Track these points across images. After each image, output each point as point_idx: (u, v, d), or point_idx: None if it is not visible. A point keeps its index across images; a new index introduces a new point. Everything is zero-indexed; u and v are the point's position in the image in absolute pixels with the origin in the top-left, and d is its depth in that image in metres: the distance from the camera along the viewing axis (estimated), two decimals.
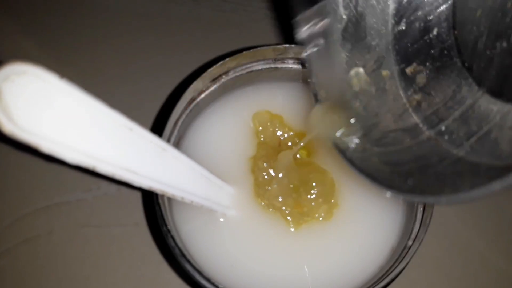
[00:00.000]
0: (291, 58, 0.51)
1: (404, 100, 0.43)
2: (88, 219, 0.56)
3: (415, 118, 0.42)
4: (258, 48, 0.49)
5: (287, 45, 0.50)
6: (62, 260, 0.54)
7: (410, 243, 0.43)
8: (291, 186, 0.46)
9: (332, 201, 0.47)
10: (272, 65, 0.51)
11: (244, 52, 0.49)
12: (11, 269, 0.54)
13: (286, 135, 0.49)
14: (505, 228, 0.57)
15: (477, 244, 0.56)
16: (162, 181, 0.38)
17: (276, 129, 0.49)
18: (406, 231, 0.45)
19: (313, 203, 0.46)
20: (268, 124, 0.50)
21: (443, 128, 0.40)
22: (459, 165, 0.37)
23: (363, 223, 0.47)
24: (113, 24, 0.68)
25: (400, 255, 0.43)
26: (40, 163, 0.57)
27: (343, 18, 0.42)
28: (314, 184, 0.46)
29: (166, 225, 0.42)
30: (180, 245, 0.42)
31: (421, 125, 0.42)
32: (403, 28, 0.42)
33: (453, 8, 0.41)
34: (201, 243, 0.46)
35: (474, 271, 0.55)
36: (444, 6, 0.41)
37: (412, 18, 0.42)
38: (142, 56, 0.66)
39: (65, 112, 0.31)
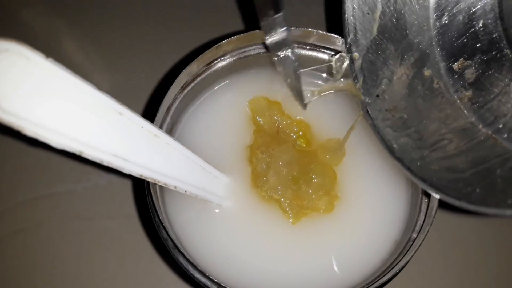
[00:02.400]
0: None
1: (455, 98, 0.42)
2: (78, 211, 0.56)
3: (469, 116, 0.41)
4: (256, 31, 0.47)
5: None
6: (51, 253, 0.54)
7: (414, 235, 0.42)
8: (290, 177, 0.45)
9: (333, 193, 0.46)
10: None
11: (241, 34, 0.47)
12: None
13: (284, 122, 0.48)
14: (507, 223, 0.56)
15: (479, 239, 0.55)
16: (153, 169, 0.37)
17: (274, 116, 0.48)
18: (410, 224, 0.44)
19: (313, 196, 0.45)
20: (266, 111, 0.48)
21: (500, 125, 0.40)
22: None
23: (365, 215, 0.46)
24: (104, 7, 0.66)
25: (403, 249, 0.42)
26: (28, 152, 0.57)
27: (376, 19, 0.42)
28: (314, 175, 0.45)
29: (158, 216, 0.41)
30: (173, 237, 0.41)
31: (476, 124, 0.41)
32: (446, 22, 0.42)
33: None
34: (195, 235, 0.45)
35: (476, 267, 0.54)
36: None
37: (454, 10, 0.42)
38: (133, 37, 0.65)
39: (51, 93, 0.30)
